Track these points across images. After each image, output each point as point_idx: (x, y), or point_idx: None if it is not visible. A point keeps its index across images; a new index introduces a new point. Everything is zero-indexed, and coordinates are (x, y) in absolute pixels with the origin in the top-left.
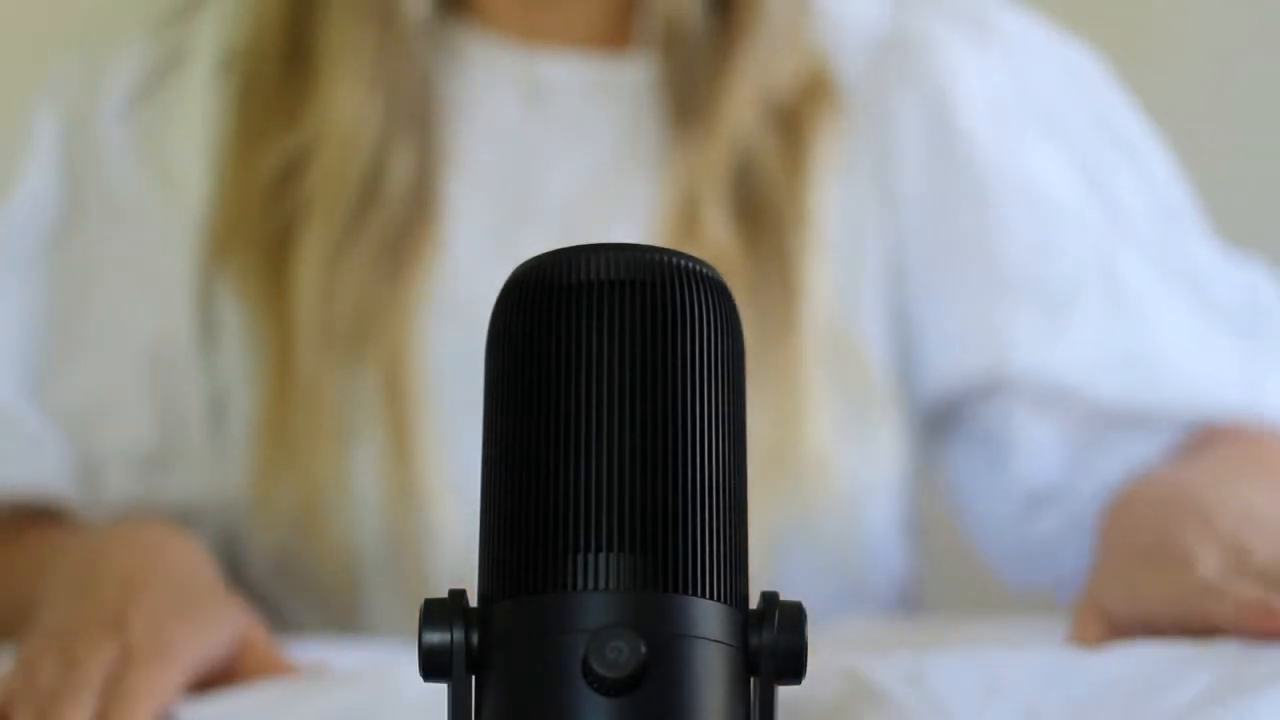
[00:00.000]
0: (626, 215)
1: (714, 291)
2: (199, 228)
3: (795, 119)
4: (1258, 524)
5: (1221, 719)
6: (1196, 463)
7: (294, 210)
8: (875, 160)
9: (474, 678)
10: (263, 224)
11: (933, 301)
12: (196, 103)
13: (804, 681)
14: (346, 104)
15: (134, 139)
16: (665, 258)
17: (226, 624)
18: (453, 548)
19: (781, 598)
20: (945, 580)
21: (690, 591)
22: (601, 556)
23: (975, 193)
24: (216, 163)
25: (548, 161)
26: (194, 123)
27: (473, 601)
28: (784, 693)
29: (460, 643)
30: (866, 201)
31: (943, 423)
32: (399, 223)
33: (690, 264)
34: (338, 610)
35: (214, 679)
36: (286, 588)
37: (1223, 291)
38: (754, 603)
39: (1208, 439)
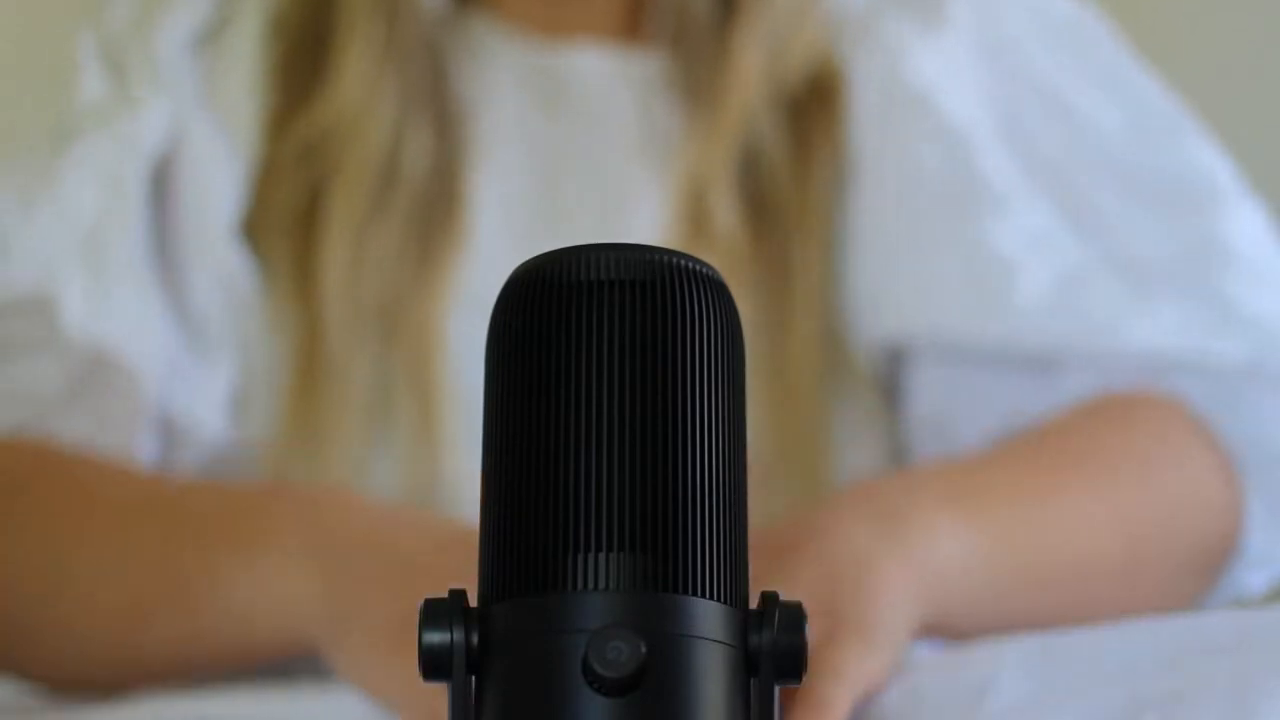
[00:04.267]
0: (644, 206)
1: (714, 291)
2: (244, 184)
3: (804, 112)
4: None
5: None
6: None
7: (316, 190)
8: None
9: (474, 678)
10: (288, 201)
11: (854, 282)
12: (245, 64)
13: None
14: (356, 87)
15: (196, 82)
16: (665, 258)
17: None
18: None
19: (781, 598)
20: None
21: (690, 591)
22: (601, 556)
23: (850, 174)
24: (262, 126)
25: (564, 154)
26: (244, 82)
27: (473, 601)
28: None
29: (460, 643)
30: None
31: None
32: (423, 210)
33: (690, 264)
34: None
35: None
36: None
37: (1172, 229)
38: (754, 603)
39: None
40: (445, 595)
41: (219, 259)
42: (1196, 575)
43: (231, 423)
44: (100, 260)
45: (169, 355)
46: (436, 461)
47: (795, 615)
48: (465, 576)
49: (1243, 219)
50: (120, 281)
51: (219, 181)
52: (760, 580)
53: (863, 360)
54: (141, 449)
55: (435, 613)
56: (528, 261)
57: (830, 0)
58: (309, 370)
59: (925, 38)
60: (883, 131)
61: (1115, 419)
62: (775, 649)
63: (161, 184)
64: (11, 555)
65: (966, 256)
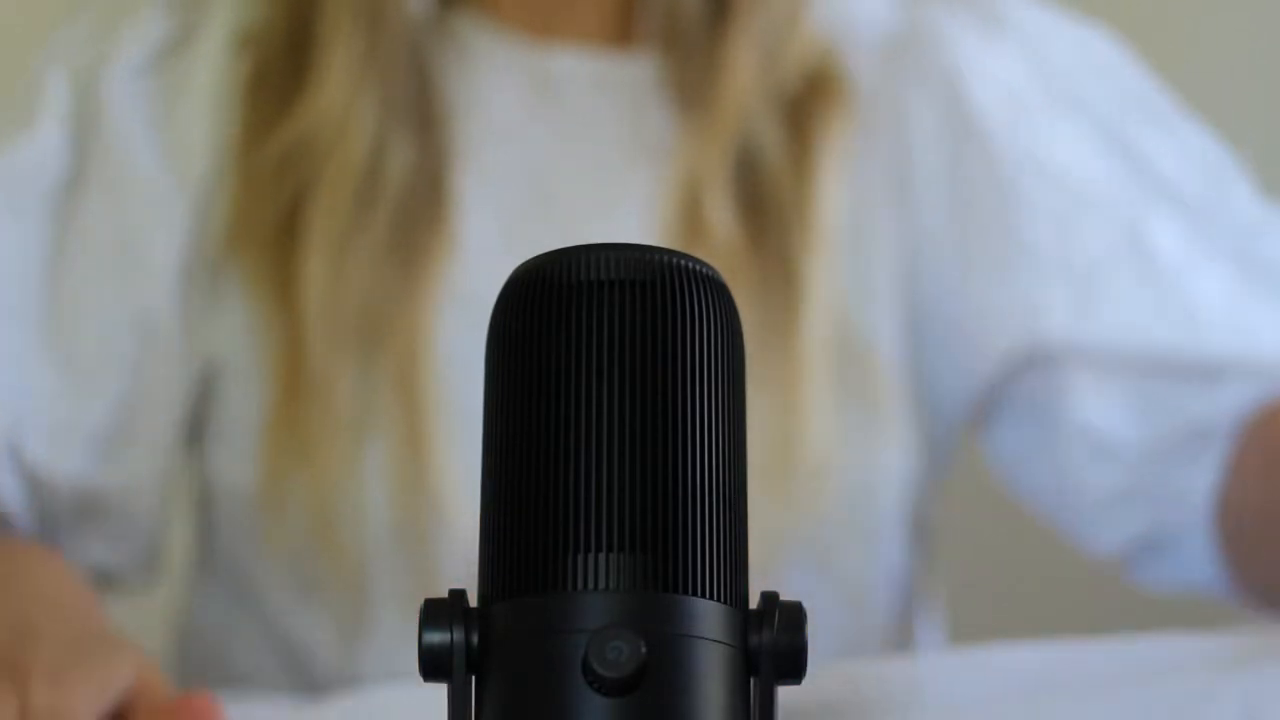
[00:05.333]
0: (634, 209)
1: (714, 291)
2: (200, 205)
3: (802, 112)
4: None
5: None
6: None
7: (297, 200)
8: (888, 159)
9: (474, 678)
10: (268, 212)
11: (959, 292)
12: (207, 81)
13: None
14: (337, 93)
15: (143, 106)
16: (665, 258)
17: (126, 668)
18: (465, 546)
19: (782, 598)
20: (965, 585)
21: (690, 591)
22: (601, 556)
23: (995, 179)
24: (223, 143)
25: (556, 156)
26: (203, 100)
27: (473, 602)
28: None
29: (460, 643)
30: (879, 200)
31: (985, 410)
32: (407, 215)
33: (690, 264)
34: (347, 611)
35: None
36: (295, 587)
37: (1270, 247)
38: (754, 603)
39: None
40: (444, 596)
41: (137, 290)
42: None
43: (101, 460)
44: None
45: (25, 404)
46: (425, 466)
47: (795, 615)
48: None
49: None
50: None
51: (154, 210)
52: None
53: (883, 366)
54: (4, 490)
55: (435, 613)
56: (527, 261)
57: (865, 12)
58: (293, 382)
59: (990, 42)
60: (1020, 131)
61: None
62: (775, 649)
63: (64, 214)
64: None
65: (1136, 265)
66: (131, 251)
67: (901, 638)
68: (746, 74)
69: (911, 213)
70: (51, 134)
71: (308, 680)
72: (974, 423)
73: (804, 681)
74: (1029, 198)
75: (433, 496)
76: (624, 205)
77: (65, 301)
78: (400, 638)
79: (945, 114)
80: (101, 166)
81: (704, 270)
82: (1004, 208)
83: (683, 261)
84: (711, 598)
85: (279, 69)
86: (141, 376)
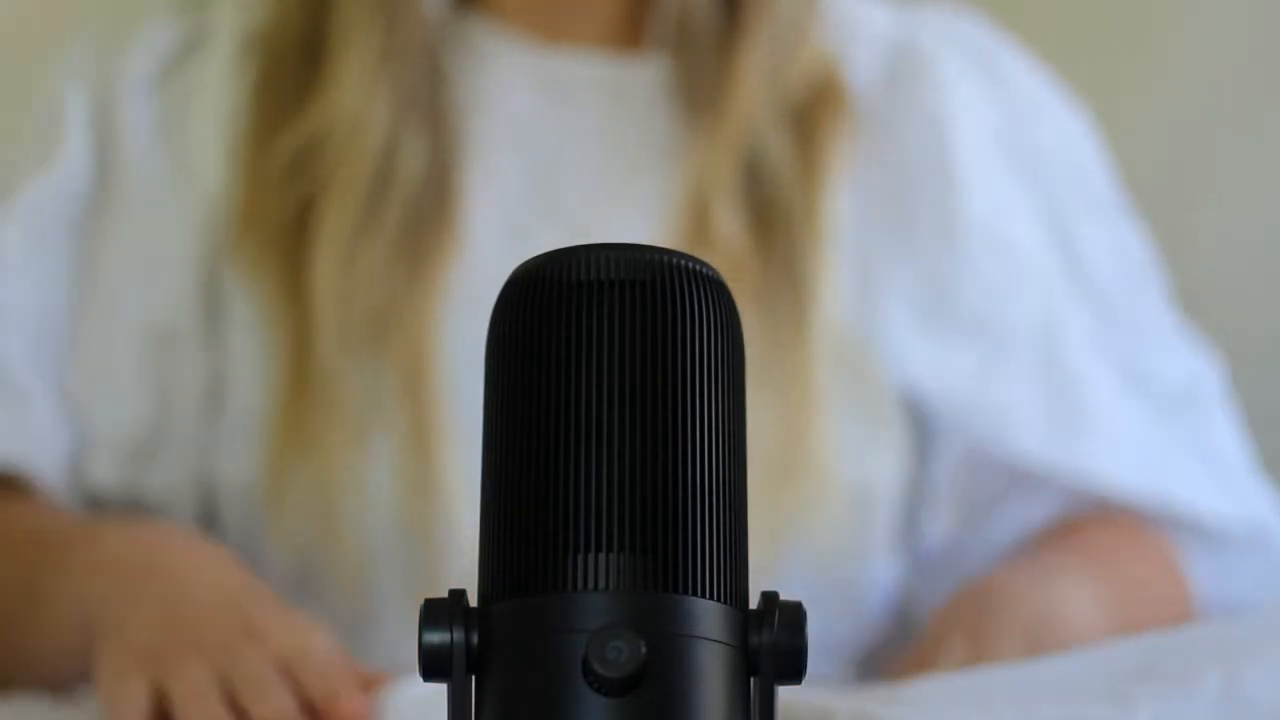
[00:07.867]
0: (641, 213)
1: (714, 291)
2: (211, 210)
3: (807, 121)
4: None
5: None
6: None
7: (307, 198)
8: (889, 174)
9: (474, 678)
10: (277, 212)
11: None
12: (217, 86)
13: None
14: (353, 92)
15: (155, 117)
16: (665, 258)
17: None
18: (469, 544)
19: (781, 598)
20: None
21: (690, 591)
22: (601, 556)
23: (945, 224)
24: (233, 147)
25: (564, 158)
26: (214, 106)
27: (473, 601)
28: None
29: (460, 643)
30: (880, 210)
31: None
32: (415, 214)
33: (690, 264)
34: (351, 607)
35: None
36: (299, 583)
37: (1163, 369)
38: (754, 603)
39: (1075, 529)
40: (444, 595)
41: (157, 301)
42: None
43: (136, 469)
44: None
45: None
46: (430, 464)
47: (795, 614)
48: (229, 613)
49: (1184, 359)
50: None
51: (169, 221)
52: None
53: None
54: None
55: (435, 613)
56: (527, 262)
57: (868, 26)
58: (299, 379)
59: (979, 90)
60: (985, 190)
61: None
62: (775, 649)
63: (90, 236)
64: None
65: (1045, 351)
66: (150, 264)
67: (896, 646)
68: (755, 81)
69: (910, 228)
70: (75, 159)
71: None
72: None
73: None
74: (972, 253)
75: (438, 494)
76: (631, 209)
77: (94, 318)
78: (403, 634)
79: (932, 144)
80: (120, 183)
81: (704, 270)
82: (947, 258)
83: (682, 261)
84: (711, 597)
85: (290, 69)
86: (166, 385)
